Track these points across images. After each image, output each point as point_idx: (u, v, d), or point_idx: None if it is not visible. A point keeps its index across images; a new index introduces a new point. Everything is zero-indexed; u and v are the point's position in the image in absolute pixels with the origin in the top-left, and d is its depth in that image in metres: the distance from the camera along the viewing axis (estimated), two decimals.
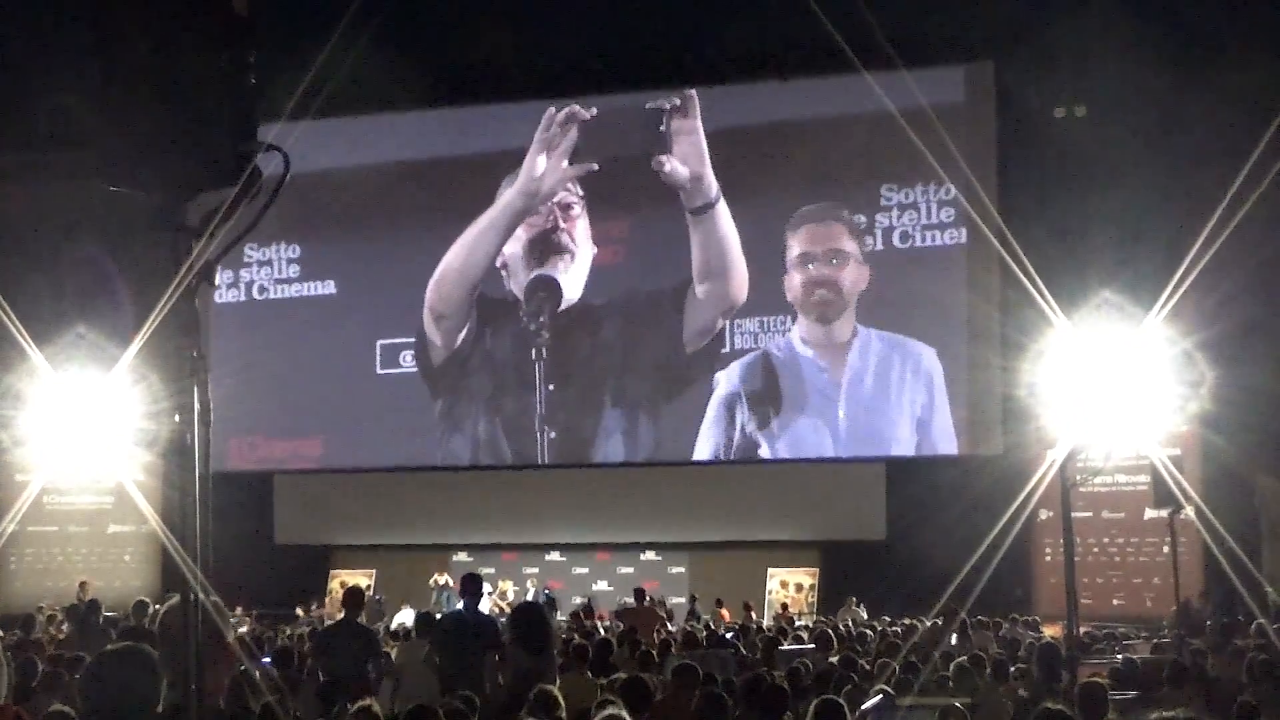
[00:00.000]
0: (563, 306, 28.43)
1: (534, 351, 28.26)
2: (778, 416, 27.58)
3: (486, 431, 29.05)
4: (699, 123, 27.88)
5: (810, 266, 27.69)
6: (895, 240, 27.50)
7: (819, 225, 27.82)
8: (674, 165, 27.85)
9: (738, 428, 27.69)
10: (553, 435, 28.54)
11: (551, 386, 28.32)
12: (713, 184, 27.82)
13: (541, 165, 28.60)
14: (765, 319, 27.87)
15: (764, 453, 27.74)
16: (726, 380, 27.88)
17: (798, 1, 16.54)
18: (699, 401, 28.04)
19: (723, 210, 27.83)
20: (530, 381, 28.42)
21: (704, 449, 27.94)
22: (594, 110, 28.34)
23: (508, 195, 28.84)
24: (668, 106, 27.86)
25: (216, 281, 4.29)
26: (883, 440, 27.32)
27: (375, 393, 29.66)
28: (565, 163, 28.48)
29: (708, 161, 27.90)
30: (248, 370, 27.97)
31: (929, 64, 25.48)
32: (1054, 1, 23.80)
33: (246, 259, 30.27)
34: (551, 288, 28.31)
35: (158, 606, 18.31)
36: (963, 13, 24.82)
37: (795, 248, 27.83)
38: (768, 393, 27.66)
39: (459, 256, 29.06)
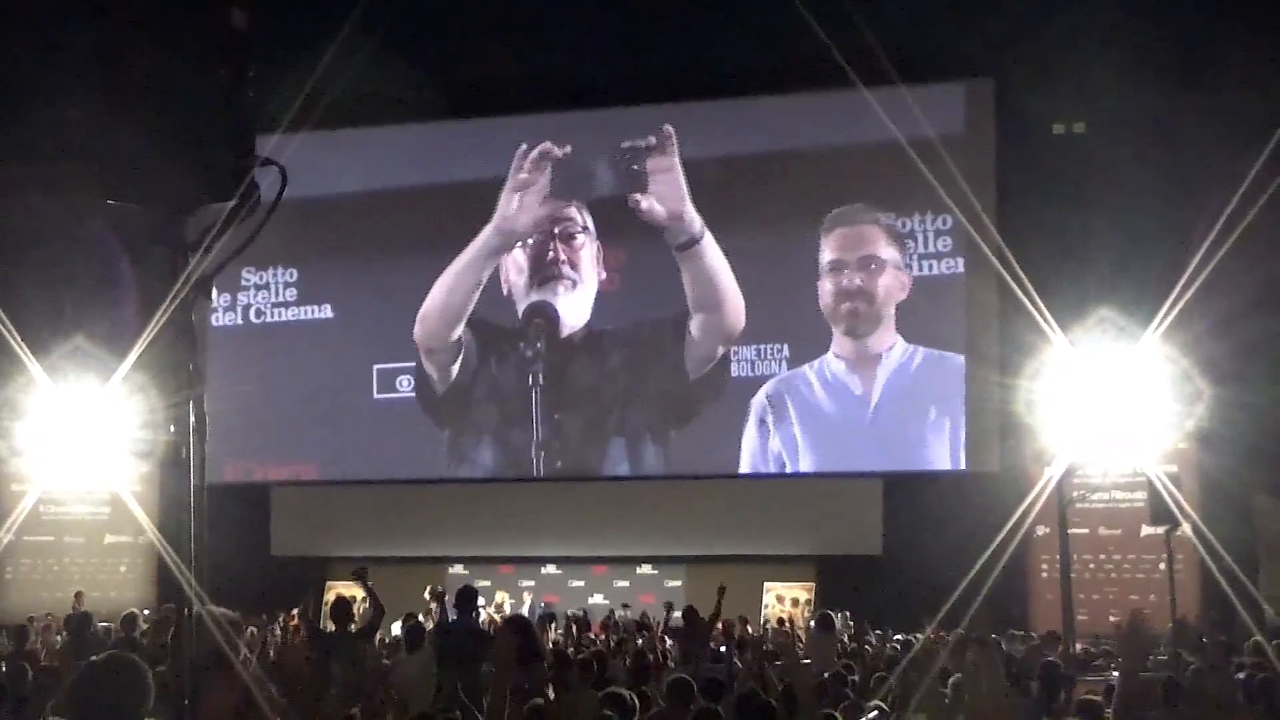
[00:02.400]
0: (565, 334, 28.31)
1: (531, 378, 28.12)
2: (804, 435, 27.37)
3: (494, 459, 29.02)
4: (676, 160, 27.70)
5: (842, 275, 27.25)
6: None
7: (850, 229, 27.33)
8: (651, 204, 27.69)
9: (766, 447, 27.52)
10: (559, 465, 28.48)
11: (557, 416, 28.21)
12: (695, 220, 27.64)
13: (515, 203, 28.57)
14: (761, 346, 27.77)
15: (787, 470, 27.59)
16: (758, 400, 27.56)
17: (797, 23, 16.58)
18: (703, 427, 27.94)
19: (709, 245, 27.63)
20: (529, 409, 28.29)
21: (743, 464, 27.71)
22: (568, 148, 28.24)
23: (483, 234, 28.74)
24: (643, 145, 27.76)
25: (214, 299, 4.29)
26: (912, 458, 27.08)
27: (372, 418, 29.62)
28: (540, 200, 28.39)
29: (688, 198, 27.69)
30: (243, 394, 28.00)
31: (929, 81, 25.47)
32: (1053, 17, 23.79)
33: (244, 282, 30.18)
34: (549, 315, 28.19)
35: (150, 615, 18.36)
36: (961, 30, 24.82)
37: (826, 254, 27.38)
38: (794, 411, 27.38)
39: (440, 294, 29.04)
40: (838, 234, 27.30)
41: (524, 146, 28.51)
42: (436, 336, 29.14)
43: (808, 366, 27.26)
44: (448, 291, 29.01)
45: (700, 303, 27.73)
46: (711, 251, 27.64)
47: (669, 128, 27.80)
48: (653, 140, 27.75)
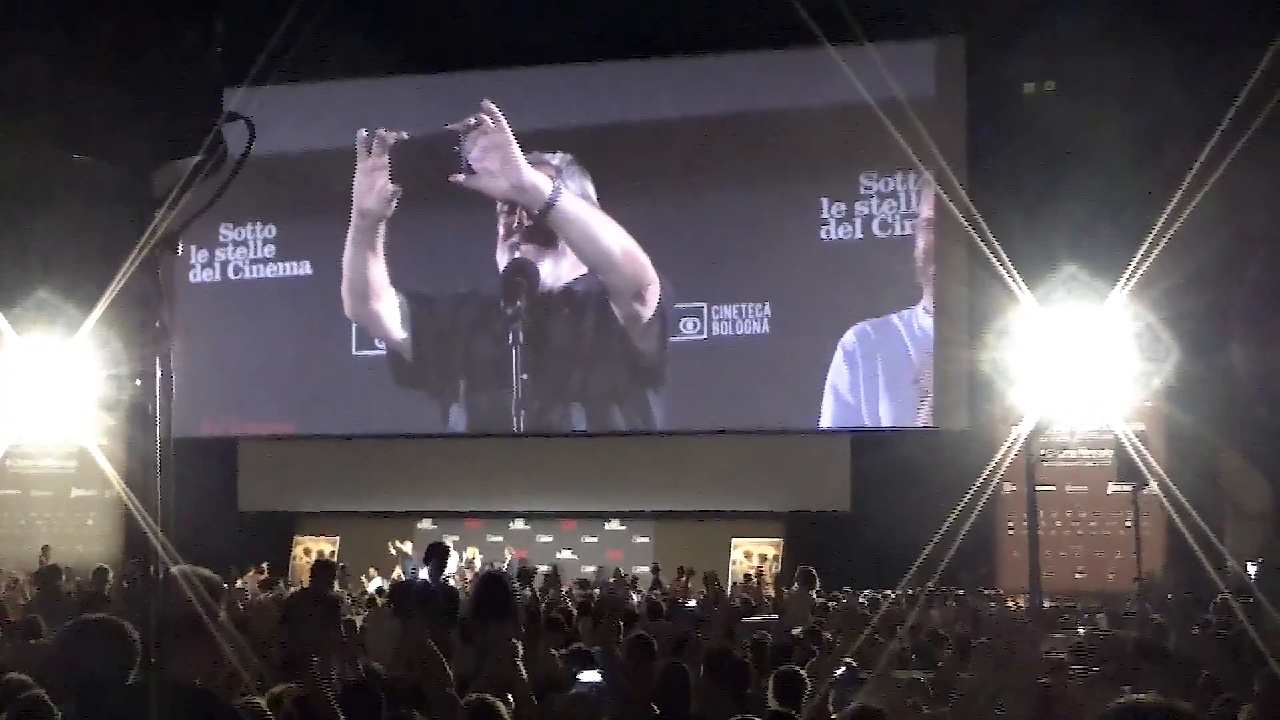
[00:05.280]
0: (543, 293, 28.34)
1: (511, 335, 28.15)
2: (886, 387, 27.38)
3: (470, 416, 29.15)
4: (506, 133, 28.03)
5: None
6: (875, 229, 27.47)
7: None
8: (490, 181, 28.23)
9: (841, 396, 27.45)
10: (534, 421, 28.52)
11: (525, 376, 28.21)
12: (542, 185, 28.00)
13: (362, 188, 29.07)
14: (742, 306, 27.86)
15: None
16: (845, 342, 27.40)
17: None
18: (675, 385, 28.13)
19: (567, 206, 27.97)
20: (507, 368, 28.29)
21: (824, 414, 27.61)
22: (404, 134, 28.71)
23: (352, 220, 29.22)
24: (462, 128, 28.16)
25: (191, 256, 4.27)
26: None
27: (351, 374, 29.62)
28: (386, 184, 28.84)
29: (524, 166, 28.05)
30: (221, 350, 28.12)
31: (898, 40, 25.41)
32: None
33: (221, 239, 30.08)
34: (529, 273, 28.21)
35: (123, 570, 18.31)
36: None
37: (925, 208, 27.31)
38: (881, 362, 27.39)
39: (344, 275, 29.45)
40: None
41: (363, 132, 28.90)
42: (358, 311, 29.51)
43: (896, 317, 27.21)
44: (348, 271, 29.40)
45: (592, 264, 28.12)
46: (573, 212, 28.03)
47: (489, 103, 28.10)
48: (471, 121, 28.12)
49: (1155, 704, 2.66)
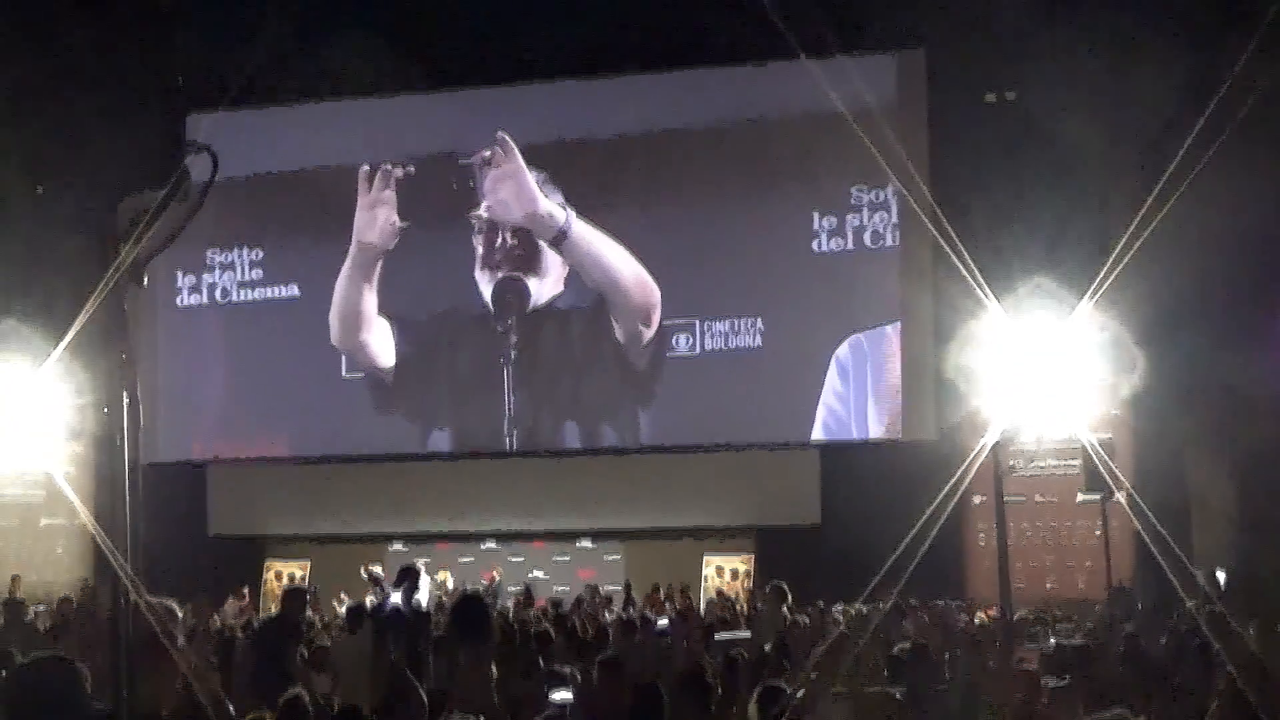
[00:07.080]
0: (530, 312, 28.45)
1: (502, 355, 28.22)
2: (875, 398, 27.23)
3: (457, 436, 29.25)
4: (519, 163, 28.19)
5: None
6: (867, 240, 27.51)
7: None
8: (506, 211, 28.38)
9: (833, 409, 27.31)
10: (518, 441, 28.58)
11: (514, 398, 28.24)
12: (556, 214, 28.08)
13: (364, 222, 29.21)
14: (735, 320, 27.86)
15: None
16: (838, 355, 27.25)
17: None
18: (661, 401, 28.15)
19: (580, 235, 28.03)
20: (498, 387, 28.36)
21: (816, 428, 27.42)
22: (411, 168, 28.87)
23: (350, 252, 29.26)
24: (478, 161, 28.32)
25: (145, 282, 4.26)
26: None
27: (341, 397, 29.60)
28: (393, 219, 28.99)
29: (539, 197, 28.17)
30: (210, 375, 28.09)
31: (861, 53, 25.42)
32: None
33: (209, 262, 30.07)
34: (520, 291, 28.24)
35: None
36: (890, 1, 24.85)
37: None
38: (870, 372, 27.26)
39: (335, 304, 29.49)
40: None
41: (365, 167, 29.01)
42: (346, 341, 29.55)
43: (890, 327, 27.17)
44: (339, 303, 29.45)
45: (599, 288, 28.13)
46: (585, 240, 28.05)
47: (503, 135, 28.20)
48: (487, 154, 28.27)
49: None
